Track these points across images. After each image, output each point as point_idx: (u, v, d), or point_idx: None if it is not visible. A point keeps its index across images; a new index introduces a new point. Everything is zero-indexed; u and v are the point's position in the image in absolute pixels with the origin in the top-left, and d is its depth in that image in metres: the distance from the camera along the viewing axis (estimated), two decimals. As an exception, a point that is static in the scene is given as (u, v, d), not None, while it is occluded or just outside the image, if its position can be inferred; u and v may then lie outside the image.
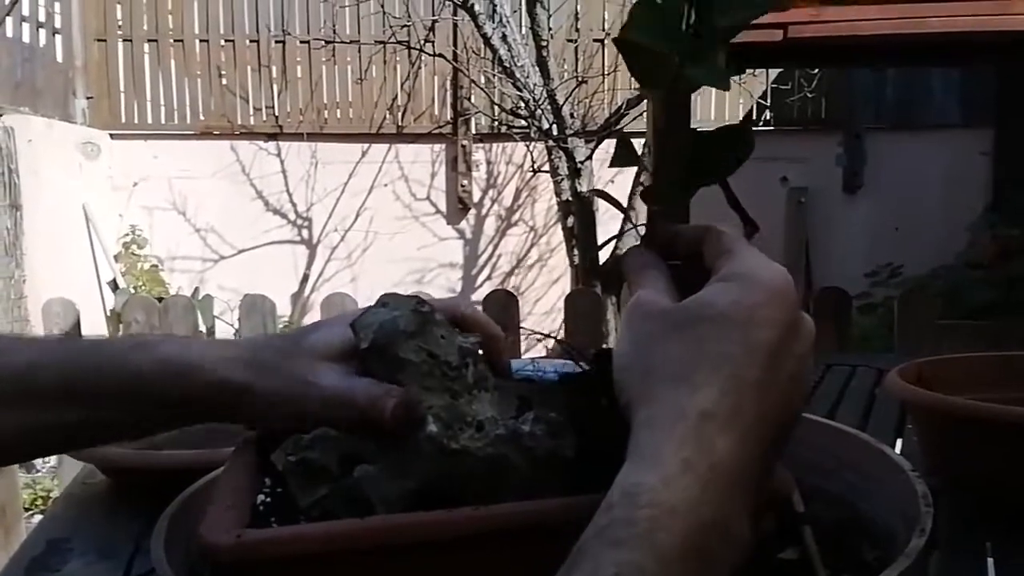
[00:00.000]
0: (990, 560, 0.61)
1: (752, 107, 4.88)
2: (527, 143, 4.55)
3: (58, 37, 4.77)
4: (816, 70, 4.43)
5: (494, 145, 5.10)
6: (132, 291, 4.45)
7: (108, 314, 4.52)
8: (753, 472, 0.35)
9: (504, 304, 2.49)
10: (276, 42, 5.06)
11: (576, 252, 3.79)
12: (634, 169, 4.29)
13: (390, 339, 0.45)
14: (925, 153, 4.92)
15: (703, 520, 0.33)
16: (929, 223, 4.77)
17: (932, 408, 0.66)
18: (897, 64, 3.57)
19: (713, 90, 5.01)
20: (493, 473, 0.41)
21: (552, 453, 0.41)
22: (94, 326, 3.99)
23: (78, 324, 2.66)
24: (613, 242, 3.88)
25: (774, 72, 4.77)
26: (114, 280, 4.69)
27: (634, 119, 3.77)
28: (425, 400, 0.44)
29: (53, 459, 3.15)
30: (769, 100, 4.88)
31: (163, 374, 0.47)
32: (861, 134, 4.95)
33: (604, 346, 0.48)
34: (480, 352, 0.48)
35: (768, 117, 4.94)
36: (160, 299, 3.06)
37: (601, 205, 3.88)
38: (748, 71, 4.48)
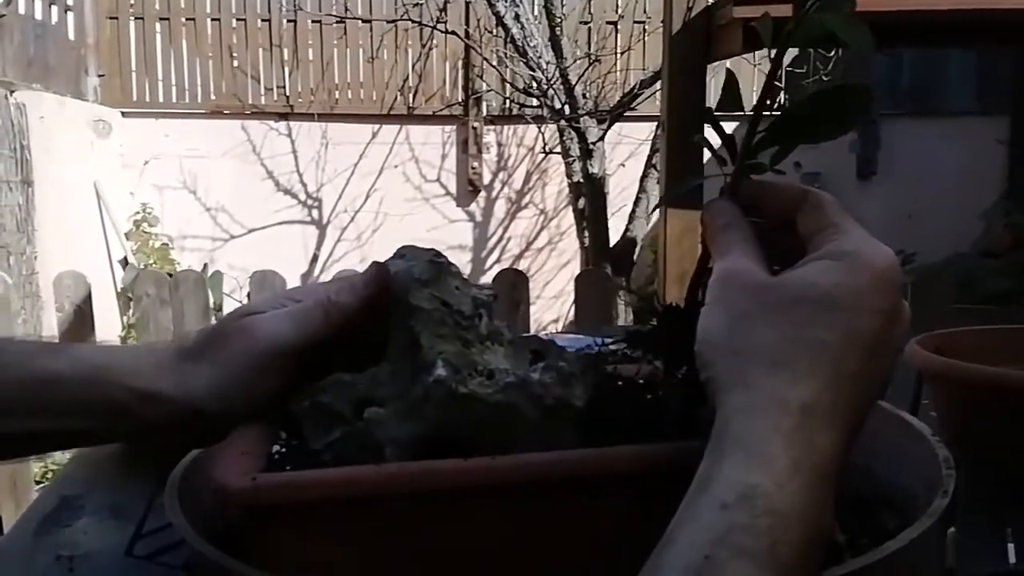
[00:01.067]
0: (1009, 530, 0.60)
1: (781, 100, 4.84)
2: (539, 125, 4.53)
3: (70, 15, 4.76)
4: (832, 53, 4.38)
5: (505, 127, 5.08)
6: (142, 268, 4.46)
7: (119, 292, 4.54)
8: (840, 464, 0.35)
9: (513, 283, 2.49)
10: (288, 22, 5.04)
11: (587, 234, 3.78)
12: (646, 151, 4.27)
13: (404, 287, 0.45)
14: (940, 140, 4.88)
15: (809, 527, 0.33)
16: (943, 211, 4.73)
17: (952, 376, 0.65)
18: (915, 46, 3.53)
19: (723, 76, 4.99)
20: (502, 420, 0.40)
21: (562, 402, 0.41)
22: (105, 304, 4.00)
23: (89, 298, 2.67)
24: (624, 224, 3.87)
25: (789, 55, 4.73)
26: (125, 258, 4.70)
27: (647, 99, 3.75)
28: (436, 346, 0.44)
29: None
30: (784, 84, 4.85)
31: (78, 376, 0.45)
32: (876, 120, 4.91)
33: (672, 303, 0.45)
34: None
35: (783, 101, 4.90)
36: (170, 275, 3.07)
37: (612, 186, 3.86)
38: (764, 53, 4.44)
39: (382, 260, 0.48)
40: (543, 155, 4.82)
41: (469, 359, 0.43)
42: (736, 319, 0.36)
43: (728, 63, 4.44)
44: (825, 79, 4.77)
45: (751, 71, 4.78)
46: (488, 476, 0.38)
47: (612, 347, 0.48)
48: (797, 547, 0.32)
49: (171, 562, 0.57)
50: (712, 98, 4.66)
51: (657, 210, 2.84)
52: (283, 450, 0.44)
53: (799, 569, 0.32)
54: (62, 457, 3.05)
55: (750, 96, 4.86)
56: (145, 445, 0.48)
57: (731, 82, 0.47)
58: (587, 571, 0.38)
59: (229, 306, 4.22)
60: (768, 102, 0.45)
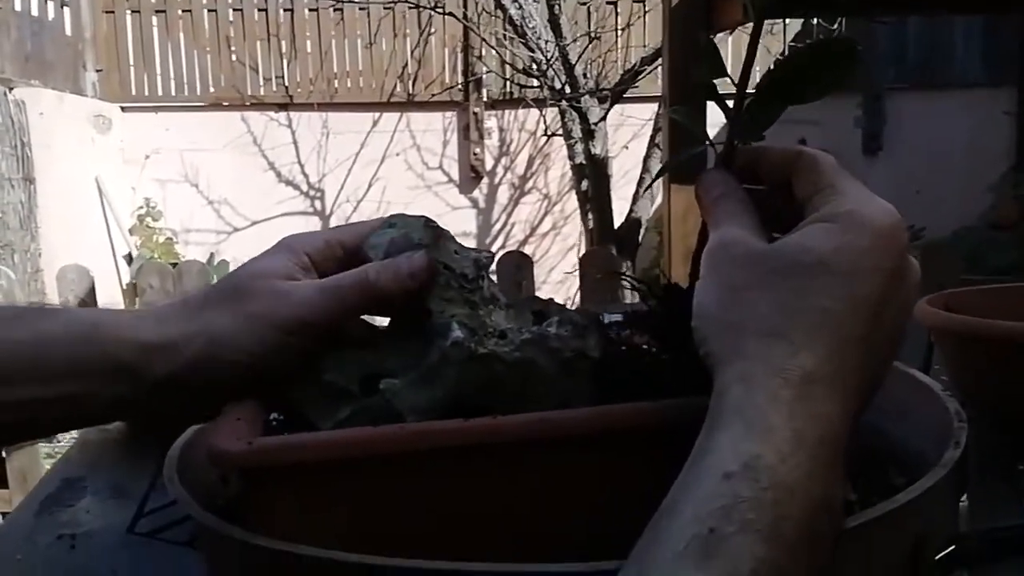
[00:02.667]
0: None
1: (769, 66, 4.80)
2: (540, 107, 4.51)
3: (67, 9, 4.75)
4: (835, 27, 4.34)
5: (506, 112, 5.06)
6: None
7: (124, 287, 4.54)
8: (846, 433, 0.34)
9: (518, 265, 2.48)
10: (284, 11, 5.02)
11: (591, 216, 3.76)
12: (649, 131, 4.25)
13: (404, 252, 0.44)
14: (947, 113, 4.84)
15: (815, 500, 0.32)
16: (951, 185, 4.70)
17: (962, 332, 0.64)
18: (922, 12, 3.49)
19: (730, 49, 4.92)
20: (522, 377, 0.40)
21: (579, 353, 0.40)
22: (109, 301, 4.01)
23: (93, 291, 2.67)
24: (628, 206, 3.85)
25: (792, 31, 4.69)
26: (129, 254, 4.71)
27: (648, 75, 3.72)
28: (447, 310, 0.43)
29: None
30: (788, 54, 4.81)
31: (72, 335, 0.42)
32: (881, 95, 4.88)
33: (674, 283, 0.44)
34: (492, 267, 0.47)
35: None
36: (174, 264, 3.07)
37: (616, 168, 3.84)
38: (767, 28, 4.40)
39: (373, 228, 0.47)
40: (545, 138, 4.80)
41: (480, 320, 0.42)
42: (731, 291, 0.35)
43: (730, 37, 4.40)
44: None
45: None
46: (490, 435, 0.37)
47: (617, 319, 0.47)
48: (801, 521, 0.31)
49: (173, 539, 0.56)
50: (713, 76, 4.63)
51: (661, 192, 2.83)
52: (280, 418, 0.43)
53: (804, 542, 0.31)
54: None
55: (753, 71, 4.83)
56: (149, 417, 0.46)
57: (711, 51, 0.45)
58: (591, 529, 0.38)
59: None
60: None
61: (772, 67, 0.42)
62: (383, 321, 0.47)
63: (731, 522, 0.30)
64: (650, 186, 3.57)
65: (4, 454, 2.27)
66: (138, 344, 0.42)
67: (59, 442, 3.45)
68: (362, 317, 0.49)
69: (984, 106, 4.79)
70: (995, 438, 0.66)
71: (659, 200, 3.82)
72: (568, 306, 0.47)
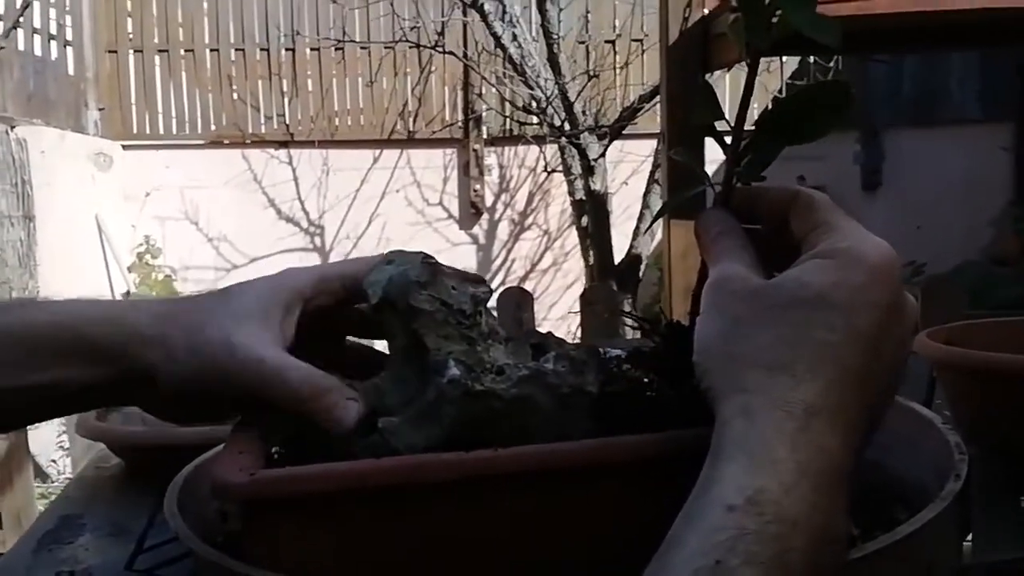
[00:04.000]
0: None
1: (768, 104, 4.85)
2: (539, 144, 4.55)
3: (69, 49, 4.81)
4: (832, 64, 4.39)
5: (506, 149, 5.10)
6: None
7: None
8: (852, 465, 0.34)
9: (518, 302, 2.48)
10: (286, 50, 5.08)
11: (591, 252, 3.78)
12: (648, 167, 4.28)
13: (402, 290, 0.44)
14: (945, 149, 4.88)
15: (817, 531, 0.32)
16: (951, 220, 4.72)
17: (964, 366, 0.64)
18: (916, 49, 3.53)
19: (727, 87, 4.97)
20: (519, 414, 0.40)
21: (577, 389, 0.40)
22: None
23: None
24: (628, 241, 3.87)
25: (789, 68, 4.75)
26: (128, 292, 4.71)
27: (647, 112, 3.76)
28: (444, 347, 0.43)
29: (68, 468, 3.16)
30: (784, 95, 4.86)
31: (56, 323, 0.43)
32: (879, 131, 4.92)
33: (676, 320, 0.45)
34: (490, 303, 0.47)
35: (779, 113, 4.91)
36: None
37: (616, 205, 3.87)
38: (764, 66, 4.46)
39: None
40: (545, 175, 4.83)
41: (477, 357, 0.43)
42: (731, 324, 0.36)
43: (727, 75, 4.45)
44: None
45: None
46: (489, 467, 0.37)
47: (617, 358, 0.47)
48: (806, 553, 0.31)
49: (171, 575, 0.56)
50: (710, 113, 4.68)
51: (661, 227, 2.85)
52: (281, 451, 0.43)
53: (808, 575, 0.31)
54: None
55: (751, 108, 4.88)
56: (159, 404, 0.46)
57: (707, 92, 0.46)
58: (591, 561, 0.38)
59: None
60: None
61: (769, 107, 0.43)
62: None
63: (736, 554, 0.30)
64: (651, 225, 3.60)
65: None
66: (117, 333, 0.43)
67: (53, 482, 3.42)
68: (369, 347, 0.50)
69: (982, 142, 4.83)
70: (998, 471, 0.65)
71: (659, 236, 3.84)
72: (569, 341, 0.47)
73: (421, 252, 0.47)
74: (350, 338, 0.51)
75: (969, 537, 0.60)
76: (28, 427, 2.08)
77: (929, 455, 0.49)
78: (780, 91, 4.85)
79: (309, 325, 0.46)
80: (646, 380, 0.46)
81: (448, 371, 0.40)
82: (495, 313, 0.49)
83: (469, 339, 0.44)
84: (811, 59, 4.32)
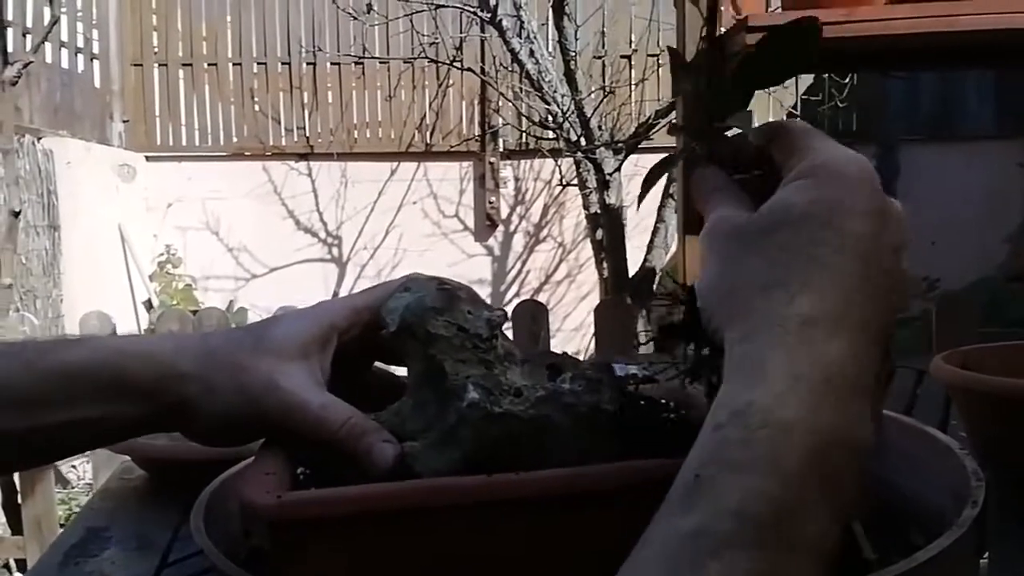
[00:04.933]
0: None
1: (782, 119, 4.84)
2: (555, 158, 4.56)
3: (96, 63, 4.88)
4: (847, 79, 4.38)
5: (522, 162, 5.12)
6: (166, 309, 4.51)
7: (143, 332, 4.58)
8: (868, 375, 0.33)
9: (533, 315, 2.49)
10: (307, 64, 5.13)
11: (605, 265, 3.78)
12: (663, 181, 4.28)
13: (419, 317, 0.45)
14: (960, 165, 4.85)
15: (822, 435, 0.31)
16: (966, 236, 4.69)
17: (980, 391, 0.64)
18: (933, 68, 3.52)
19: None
20: (538, 435, 0.40)
21: (594, 408, 0.41)
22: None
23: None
24: (643, 254, 3.87)
25: (804, 83, 4.74)
26: (149, 300, 4.75)
27: (662, 128, 3.76)
28: (462, 371, 0.44)
29: (88, 474, 3.19)
30: (800, 111, 4.85)
31: (96, 360, 0.44)
32: (894, 146, 4.90)
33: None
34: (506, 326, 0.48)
35: (799, 128, 4.89)
36: (194, 311, 3.10)
37: (630, 218, 3.87)
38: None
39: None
40: (560, 188, 4.84)
41: (495, 380, 0.43)
42: (726, 263, 0.37)
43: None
44: (840, 105, 4.77)
45: (765, 98, 4.79)
46: (511, 491, 0.38)
47: (633, 371, 0.48)
48: (807, 453, 0.30)
49: (196, 589, 0.57)
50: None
51: (675, 241, 2.85)
52: (307, 472, 0.45)
53: (812, 476, 0.30)
54: (85, 499, 3.07)
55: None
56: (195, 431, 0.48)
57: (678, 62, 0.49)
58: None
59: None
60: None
61: (742, 58, 0.43)
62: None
63: (715, 464, 0.30)
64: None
65: (20, 501, 2.28)
66: (155, 369, 0.45)
67: (73, 487, 3.45)
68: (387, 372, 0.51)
69: (997, 158, 4.79)
70: (1013, 495, 0.66)
71: (673, 249, 3.84)
72: (584, 353, 0.48)
73: (436, 278, 0.48)
74: (377, 364, 0.52)
75: (984, 560, 0.60)
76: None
77: (947, 480, 0.50)
78: (795, 107, 4.85)
79: (342, 354, 0.48)
80: (663, 400, 0.47)
81: (467, 395, 0.41)
82: (510, 334, 0.49)
83: (486, 362, 0.45)
84: (825, 75, 4.31)
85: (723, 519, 0.28)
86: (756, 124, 0.45)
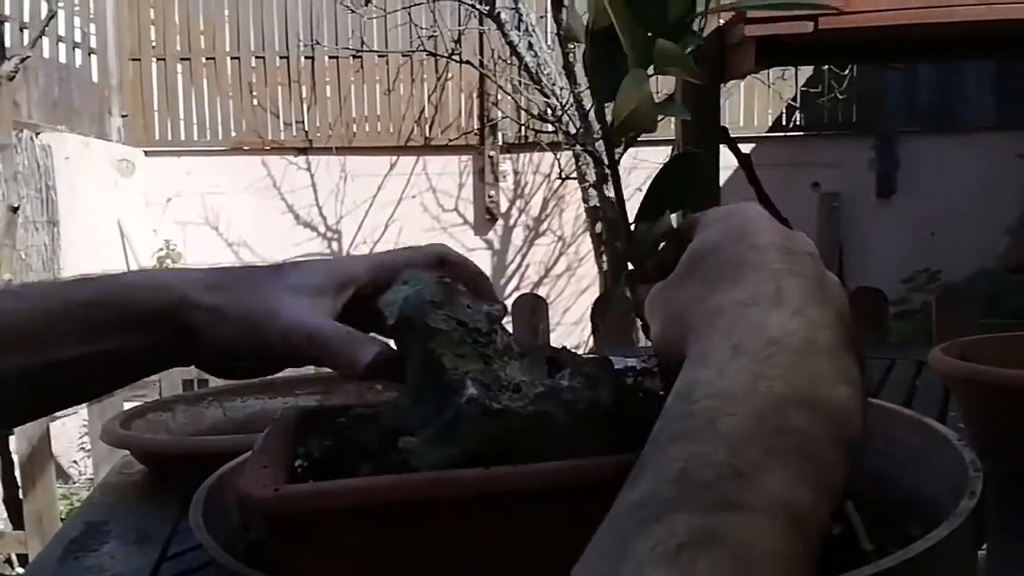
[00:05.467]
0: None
1: (782, 111, 4.84)
2: (554, 151, 4.55)
3: (94, 57, 4.87)
4: (846, 71, 4.38)
5: (521, 155, 5.11)
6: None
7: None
8: (829, 341, 0.32)
9: (532, 308, 2.49)
10: (306, 58, 5.12)
11: (605, 258, 3.78)
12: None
13: (418, 311, 0.45)
14: (960, 156, 4.85)
15: (776, 397, 0.30)
16: (966, 227, 4.69)
17: (979, 382, 0.64)
18: (931, 59, 3.52)
19: (742, 95, 4.93)
20: (537, 431, 0.40)
21: (592, 404, 0.41)
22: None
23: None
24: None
25: (803, 75, 4.73)
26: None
27: (661, 122, 3.75)
28: (461, 366, 0.44)
29: (89, 469, 3.19)
30: (799, 104, 4.85)
31: (105, 294, 0.46)
32: (893, 137, 4.89)
33: None
34: (503, 316, 0.48)
35: (799, 121, 4.90)
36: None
37: (630, 211, 3.87)
38: (778, 74, 4.45)
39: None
40: (559, 181, 4.84)
41: (494, 375, 0.43)
42: (664, 312, 0.39)
43: (742, 84, 4.42)
44: (840, 97, 4.77)
45: (765, 90, 4.78)
46: (509, 484, 0.38)
47: (632, 364, 0.48)
48: (752, 415, 0.29)
49: (196, 583, 0.57)
50: (726, 118, 4.67)
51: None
52: (304, 464, 0.45)
53: (764, 437, 0.28)
54: (86, 494, 3.07)
55: (765, 116, 4.87)
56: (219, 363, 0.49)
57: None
58: None
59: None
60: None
61: (649, 185, 0.47)
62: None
63: (657, 443, 0.30)
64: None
65: (22, 496, 2.28)
66: (164, 298, 0.46)
67: (74, 482, 3.45)
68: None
69: (997, 149, 4.79)
70: (1012, 486, 0.66)
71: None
72: (582, 350, 0.48)
73: (435, 272, 0.48)
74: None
75: (983, 552, 0.60)
76: (54, 419, 2.09)
77: (945, 471, 0.50)
78: (795, 99, 4.84)
79: (356, 308, 0.48)
80: (661, 392, 0.47)
81: (466, 390, 0.41)
82: (509, 327, 0.50)
83: (486, 357, 0.44)
84: (825, 67, 4.30)
85: (665, 487, 0.28)
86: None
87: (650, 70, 0.44)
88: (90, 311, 0.45)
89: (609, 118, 0.47)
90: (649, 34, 0.43)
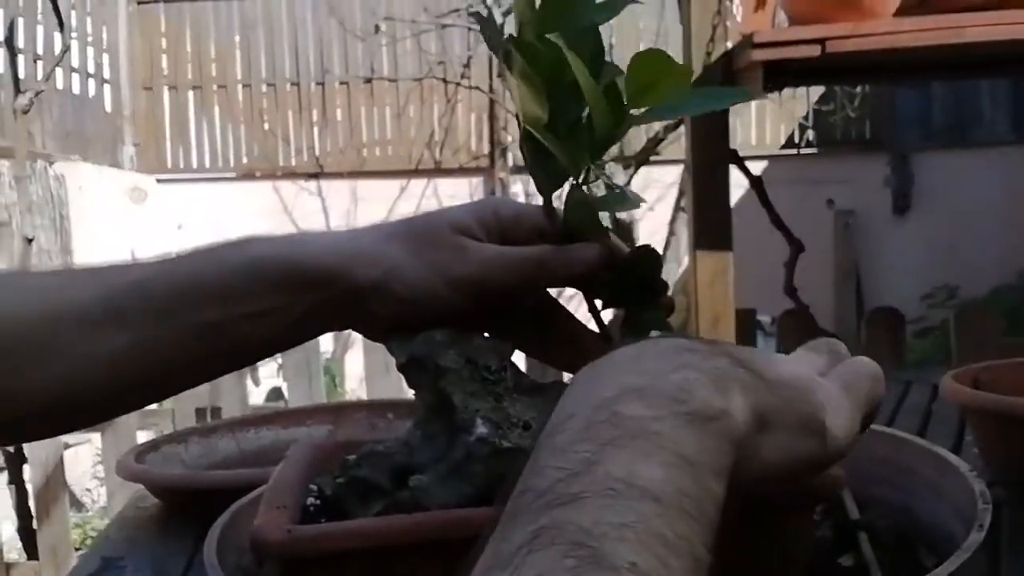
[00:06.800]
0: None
1: (794, 129, 4.85)
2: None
3: (107, 87, 4.93)
4: (859, 88, 4.37)
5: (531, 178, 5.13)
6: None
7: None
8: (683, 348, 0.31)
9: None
10: (316, 84, 5.17)
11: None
12: (674, 195, 4.28)
13: (428, 350, 0.45)
14: (976, 171, 4.82)
15: (601, 399, 0.29)
16: (984, 242, 4.66)
17: (994, 411, 0.64)
18: (941, 78, 3.51)
19: (753, 113, 4.93)
20: None
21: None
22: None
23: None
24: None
25: (816, 93, 4.73)
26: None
27: (671, 143, 3.77)
28: (471, 404, 0.44)
29: (103, 498, 3.20)
30: (811, 121, 4.85)
31: (276, 252, 0.46)
32: (908, 154, 4.88)
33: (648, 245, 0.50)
34: (513, 357, 0.48)
35: (811, 138, 4.89)
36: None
37: (642, 231, 3.87)
38: (789, 92, 4.45)
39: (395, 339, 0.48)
40: (570, 203, 4.85)
41: (504, 413, 0.44)
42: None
43: (753, 102, 4.41)
44: (852, 115, 4.76)
45: (776, 109, 4.79)
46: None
47: None
48: (582, 422, 0.28)
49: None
50: (736, 138, 4.67)
51: (687, 256, 2.85)
52: (317, 502, 0.45)
53: (597, 433, 0.28)
54: (99, 523, 3.08)
55: (777, 134, 4.87)
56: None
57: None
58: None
59: (261, 366, 4.26)
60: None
61: (610, 279, 0.47)
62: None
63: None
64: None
65: (36, 526, 2.29)
66: (334, 253, 0.46)
67: (88, 512, 3.46)
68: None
69: (1014, 164, 4.77)
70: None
71: (685, 263, 3.84)
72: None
73: None
74: None
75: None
76: (110, 421, 2.08)
77: (957, 502, 0.50)
78: (807, 117, 4.84)
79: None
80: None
81: (476, 429, 0.41)
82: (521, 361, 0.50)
83: (496, 395, 0.45)
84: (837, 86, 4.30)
85: (504, 517, 0.28)
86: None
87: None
88: (264, 268, 0.46)
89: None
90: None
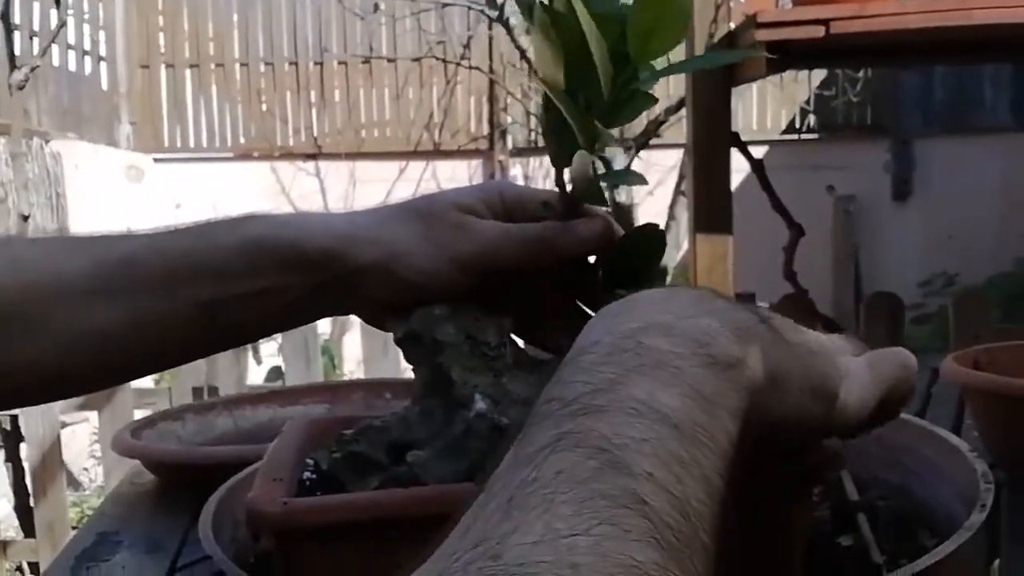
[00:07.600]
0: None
1: (795, 113, 4.83)
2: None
3: (103, 64, 4.90)
4: (861, 73, 4.35)
5: (531, 160, 5.11)
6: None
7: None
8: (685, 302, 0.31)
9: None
10: (314, 64, 5.14)
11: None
12: (674, 179, 4.27)
13: (427, 324, 0.45)
14: (977, 157, 4.81)
15: (626, 330, 0.29)
16: (984, 229, 4.66)
17: (994, 392, 0.64)
18: (946, 62, 3.49)
19: (755, 97, 4.91)
20: None
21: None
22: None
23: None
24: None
25: (817, 77, 4.71)
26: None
27: (672, 126, 3.76)
28: (469, 380, 0.43)
29: (100, 477, 3.20)
30: (813, 106, 4.83)
31: (275, 232, 0.46)
32: (909, 139, 4.86)
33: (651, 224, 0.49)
34: (512, 333, 0.47)
35: (812, 123, 4.88)
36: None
37: (641, 215, 3.86)
38: (791, 76, 4.43)
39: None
40: (569, 186, 4.84)
41: (503, 389, 0.43)
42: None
43: (754, 86, 4.40)
44: (854, 100, 4.74)
45: (778, 93, 4.77)
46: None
47: None
48: (606, 348, 0.29)
49: (205, 594, 0.57)
50: (737, 122, 4.65)
51: (686, 239, 2.84)
52: (313, 477, 0.45)
53: (621, 360, 0.28)
54: (96, 501, 3.09)
55: (779, 118, 4.86)
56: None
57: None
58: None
59: (262, 344, 4.25)
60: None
61: (608, 258, 0.47)
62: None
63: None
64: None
65: (33, 504, 2.29)
66: (334, 235, 0.46)
67: (85, 490, 3.46)
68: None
69: (1015, 151, 4.75)
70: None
71: (684, 247, 3.83)
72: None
73: None
74: None
75: (996, 564, 0.59)
76: (107, 400, 2.08)
77: (958, 483, 0.49)
78: (808, 101, 4.82)
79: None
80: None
81: (475, 405, 0.41)
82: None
83: (495, 371, 0.44)
84: (839, 70, 4.29)
85: (531, 420, 0.29)
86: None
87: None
88: (262, 248, 0.46)
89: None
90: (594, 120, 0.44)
